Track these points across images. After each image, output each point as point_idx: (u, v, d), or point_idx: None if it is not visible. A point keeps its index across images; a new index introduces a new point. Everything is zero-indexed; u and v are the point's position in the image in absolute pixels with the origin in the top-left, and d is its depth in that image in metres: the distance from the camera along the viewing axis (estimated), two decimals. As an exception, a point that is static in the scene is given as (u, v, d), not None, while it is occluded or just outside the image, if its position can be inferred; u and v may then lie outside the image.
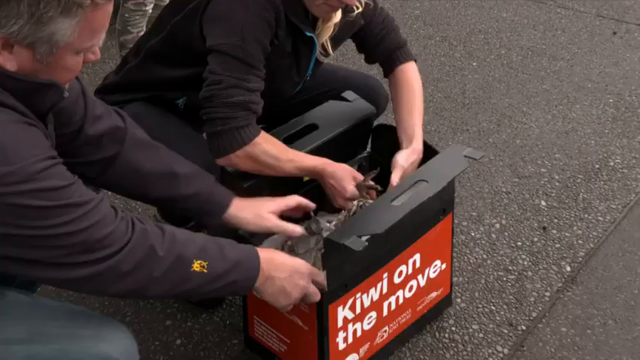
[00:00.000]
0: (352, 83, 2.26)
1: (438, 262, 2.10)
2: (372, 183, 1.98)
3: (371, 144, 2.23)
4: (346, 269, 1.81)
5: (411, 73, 2.19)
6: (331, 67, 2.32)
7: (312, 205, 1.90)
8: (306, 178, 2.01)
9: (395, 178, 1.97)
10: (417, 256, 2.00)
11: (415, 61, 2.23)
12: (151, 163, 1.76)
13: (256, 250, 1.62)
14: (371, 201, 1.98)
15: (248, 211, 1.81)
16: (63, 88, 1.44)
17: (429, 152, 2.05)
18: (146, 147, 1.78)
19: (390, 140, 2.09)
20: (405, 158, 2.02)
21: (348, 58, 3.70)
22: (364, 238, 1.69)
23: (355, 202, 1.97)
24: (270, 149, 1.89)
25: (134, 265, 1.42)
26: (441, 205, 2.01)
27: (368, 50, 2.20)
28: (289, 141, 2.03)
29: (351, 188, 1.97)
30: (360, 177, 1.99)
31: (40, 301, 1.58)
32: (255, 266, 1.59)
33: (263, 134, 1.89)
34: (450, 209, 2.06)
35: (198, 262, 1.49)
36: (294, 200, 1.87)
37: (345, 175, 1.97)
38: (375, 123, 2.22)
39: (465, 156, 1.94)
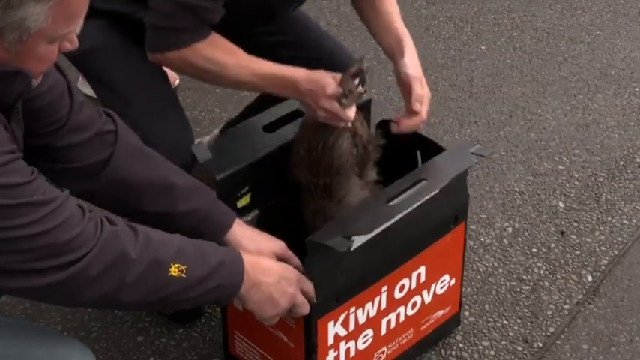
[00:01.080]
0: (335, 59, 2.23)
1: (446, 277, 2.10)
2: (356, 69, 1.88)
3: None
4: (337, 278, 1.82)
5: None
6: (321, 36, 2.31)
7: (295, 261, 1.84)
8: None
9: (418, 94, 1.97)
10: (423, 269, 2.01)
11: None
12: (145, 172, 1.76)
13: (239, 252, 1.62)
14: (361, 91, 1.90)
15: (250, 241, 1.81)
16: (30, 75, 1.43)
17: (432, 149, 2.05)
18: (140, 155, 1.79)
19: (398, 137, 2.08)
20: (414, 66, 2.00)
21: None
22: (356, 241, 1.69)
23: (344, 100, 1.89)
24: (212, 54, 1.87)
25: (104, 269, 1.42)
26: (451, 213, 2.01)
27: None
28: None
29: (331, 82, 1.87)
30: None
31: None
32: (240, 270, 1.59)
33: (211, 38, 1.87)
34: (463, 218, 2.06)
35: (176, 265, 1.49)
36: (295, 263, 1.83)
37: (323, 75, 1.90)
38: (382, 117, 2.20)
39: (473, 153, 1.95)
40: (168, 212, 1.76)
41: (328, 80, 1.87)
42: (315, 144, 1.92)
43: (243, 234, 1.82)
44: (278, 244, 1.84)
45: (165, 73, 2.19)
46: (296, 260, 1.83)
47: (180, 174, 1.81)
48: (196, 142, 2.67)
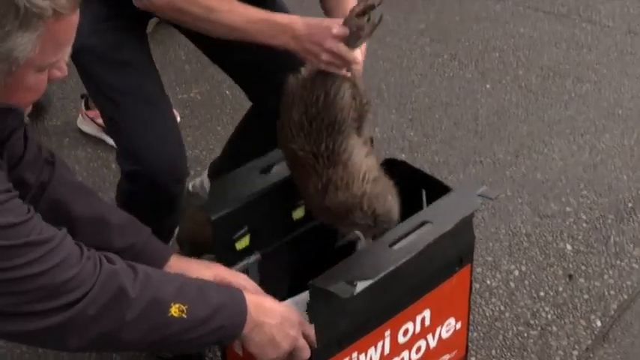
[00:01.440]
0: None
1: (451, 321, 2.07)
2: (363, 7, 1.81)
3: None
4: (339, 323, 1.79)
5: None
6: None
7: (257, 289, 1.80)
8: (297, 216, 1.97)
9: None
10: (427, 313, 1.98)
11: None
12: (81, 206, 1.75)
13: (242, 292, 1.61)
14: (374, 23, 1.81)
15: (188, 272, 1.75)
16: (23, 112, 1.43)
17: (438, 189, 2.03)
18: (77, 188, 1.79)
19: (403, 176, 2.05)
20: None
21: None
22: (358, 287, 1.67)
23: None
24: None
25: (103, 308, 1.41)
26: (456, 255, 1.99)
27: None
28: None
29: (335, 23, 1.82)
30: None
31: None
32: (242, 310, 1.58)
33: None
34: (468, 260, 2.04)
35: (177, 305, 1.49)
36: (239, 283, 1.78)
37: (322, 19, 1.86)
38: (384, 156, 2.17)
39: (479, 195, 1.93)
40: (104, 248, 1.72)
41: (331, 22, 1.82)
42: (315, 98, 1.82)
43: (181, 266, 1.78)
44: (213, 271, 1.79)
45: (160, 82, 2.19)
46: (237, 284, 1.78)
47: (115, 210, 1.82)
48: (189, 186, 2.66)
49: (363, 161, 1.85)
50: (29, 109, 1.49)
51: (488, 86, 3.71)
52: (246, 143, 2.48)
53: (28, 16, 1.32)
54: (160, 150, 2.06)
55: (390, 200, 1.87)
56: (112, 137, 2.24)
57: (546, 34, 4.12)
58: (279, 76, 1.92)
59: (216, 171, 2.61)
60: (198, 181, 2.67)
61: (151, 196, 2.12)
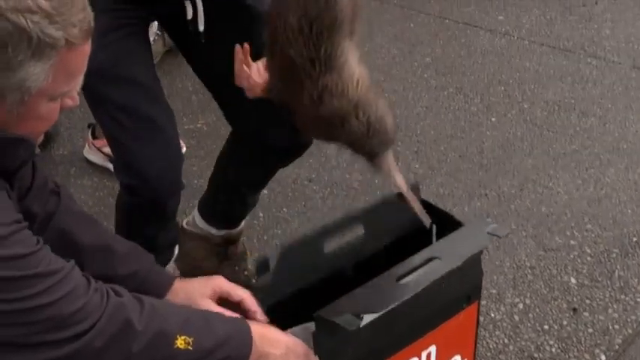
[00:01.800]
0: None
1: (457, 358, 2.06)
2: None
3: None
4: (344, 355, 1.77)
5: None
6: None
7: (259, 315, 1.79)
8: None
9: None
10: (433, 349, 1.97)
11: None
12: (87, 235, 1.76)
13: (247, 322, 1.62)
14: None
15: (182, 294, 1.79)
16: (34, 143, 1.44)
17: (449, 223, 2.02)
18: (82, 217, 1.80)
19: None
20: None
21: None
22: (365, 320, 1.66)
23: None
24: None
25: (110, 340, 1.42)
26: (464, 292, 1.98)
27: None
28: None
29: None
30: None
31: None
32: (247, 341, 1.59)
33: None
34: (476, 297, 2.03)
35: (183, 337, 1.49)
36: (237, 294, 1.80)
37: None
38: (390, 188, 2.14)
39: (489, 233, 1.93)
40: (109, 275, 1.74)
41: None
42: None
43: (183, 286, 1.80)
44: (214, 283, 1.80)
45: (160, 89, 2.25)
46: (259, 316, 1.78)
47: (119, 239, 1.83)
48: (183, 222, 2.67)
49: (356, 67, 1.80)
50: (40, 138, 1.51)
51: (493, 119, 3.72)
52: (230, 170, 2.54)
53: (41, 46, 1.33)
54: (155, 164, 2.14)
55: (382, 107, 1.80)
56: (110, 148, 2.30)
57: (552, 69, 4.15)
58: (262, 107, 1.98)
59: (205, 206, 2.65)
60: (191, 217, 2.68)
61: (148, 207, 2.21)
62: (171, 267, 2.51)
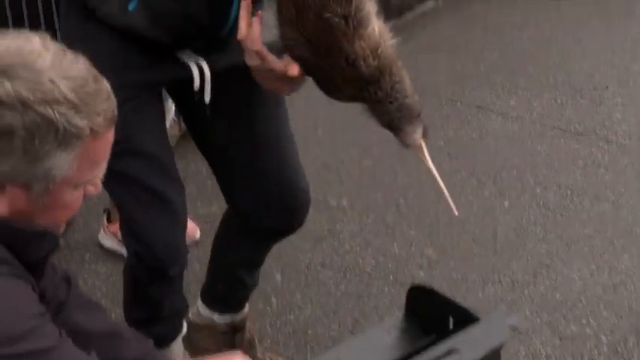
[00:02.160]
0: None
1: None
2: None
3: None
4: None
5: None
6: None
7: None
8: None
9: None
10: None
11: None
12: (96, 322, 1.78)
13: None
14: None
15: None
16: (58, 236, 1.45)
17: (466, 318, 2.02)
18: (89, 304, 1.82)
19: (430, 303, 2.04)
20: None
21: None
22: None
23: None
24: None
25: None
26: (484, 385, 1.97)
27: None
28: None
29: None
30: None
31: None
32: None
33: None
34: (496, 390, 2.02)
35: None
36: None
37: None
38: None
39: (509, 326, 1.93)
40: (117, 359, 1.77)
41: None
42: None
43: None
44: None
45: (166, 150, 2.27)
46: None
47: (123, 324, 1.90)
48: (189, 314, 2.68)
49: (377, 22, 1.81)
50: (63, 227, 1.51)
51: (506, 204, 3.73)
52: (224, 250, 2.56)
53: (67, 136, 1.35)
54: (162, 238, 2.21)
55: (400, 67, 1.86)
56: (118, 212, 2.36)
57: (563, 153, 4.16)
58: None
59: (206, 292, 2.65)
60: (195, 308, 2.68)
61: (153, 271, 2.27)
62: (180, 350, 2.51)
